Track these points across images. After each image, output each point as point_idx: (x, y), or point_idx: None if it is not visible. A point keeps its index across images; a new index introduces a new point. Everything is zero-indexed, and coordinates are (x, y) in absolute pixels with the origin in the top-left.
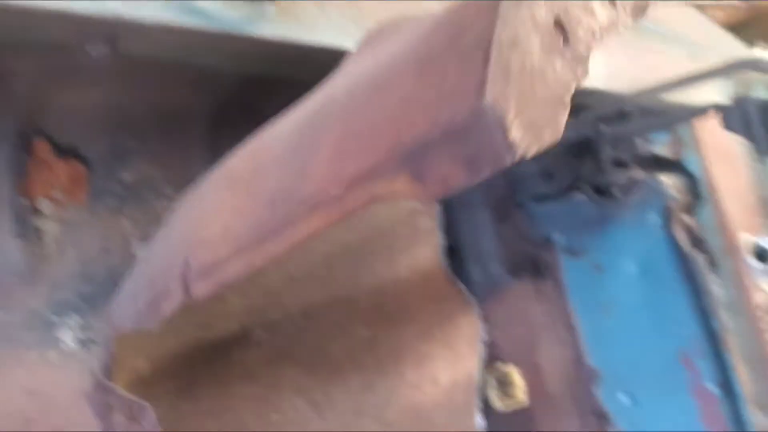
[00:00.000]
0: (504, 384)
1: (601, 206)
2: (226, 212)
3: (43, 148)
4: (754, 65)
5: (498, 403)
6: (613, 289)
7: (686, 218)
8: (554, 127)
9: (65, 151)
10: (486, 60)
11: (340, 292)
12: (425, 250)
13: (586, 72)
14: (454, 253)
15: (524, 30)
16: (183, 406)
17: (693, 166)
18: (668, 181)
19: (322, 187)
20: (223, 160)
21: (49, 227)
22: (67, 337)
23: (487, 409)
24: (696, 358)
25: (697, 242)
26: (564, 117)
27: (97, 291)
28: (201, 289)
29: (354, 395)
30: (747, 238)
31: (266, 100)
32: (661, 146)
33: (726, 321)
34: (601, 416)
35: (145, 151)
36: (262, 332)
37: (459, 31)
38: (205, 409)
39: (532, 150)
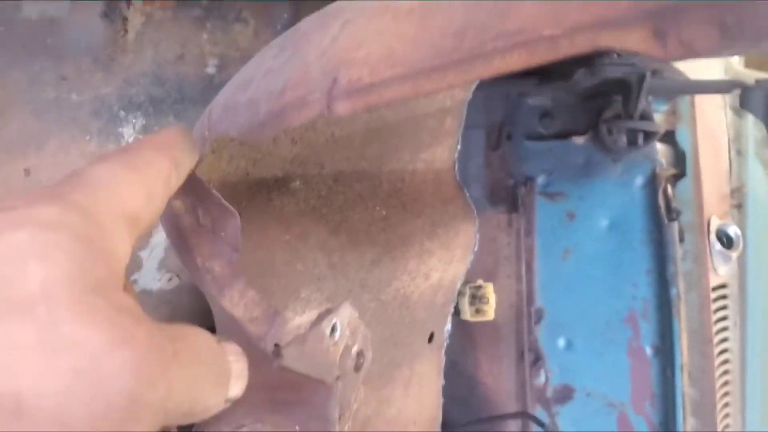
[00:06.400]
0: (478, 298)
1: (592, 156)
2: (388, 37)
3: None
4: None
5: (468, 314)
6: (579, 238)
7: (669, 188)
8: None
9: None
10: None
11: (368, 168)
12: (443, 150)
13: None
14: None
15: None
16: None
17: (683, 141)
18: (659, 149)
19: (530, 25)
20: None
21: (135, 19)
22: (128, 135)
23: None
24: (641, 320)
25: (673, 213)
26: None
27: (165, 96)
28: (346, 106)
29: (364, 268)
30: (715, 221)
31: None
32: (658, 114)
33: (682, 292)
34: (537, 354)
35: None
36: (300, 183)
37: None
38: (243, 241)
39: None
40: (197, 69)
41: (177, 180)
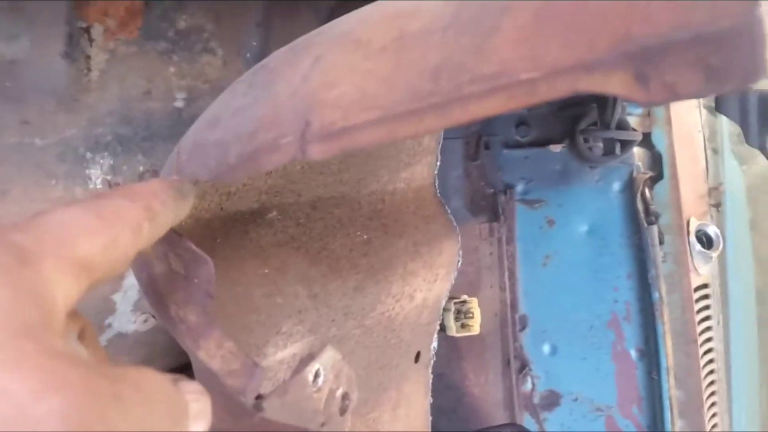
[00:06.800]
0: (463, 314)
1: (570, 164)
2: (361, 76)
3: None
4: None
5: (453, 329)
6: (559, 244)
7: (646, 191)
8: None
9: None
10: None
11: (347, 192)
12: (422, 169)
13: None
14: None
15: None
16: None
17: (659, 143)
18: (636, 152)
19: (508, 69)
20: (331, 23)
21: (97, 56)
22: (96, 176)
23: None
24: (624, 323)
25: (652, 216)
26: None
27: (132, 134)
28: (319, 150)
29: (347, 295)
30: (694, 222)
31: None
32: (633, 117)
33: (664, 294)
34: (522, 361)
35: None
36: (276, 214)
37: None
38: (219, 279)
39: None
40: (165, 104)
41: (152, 231)
